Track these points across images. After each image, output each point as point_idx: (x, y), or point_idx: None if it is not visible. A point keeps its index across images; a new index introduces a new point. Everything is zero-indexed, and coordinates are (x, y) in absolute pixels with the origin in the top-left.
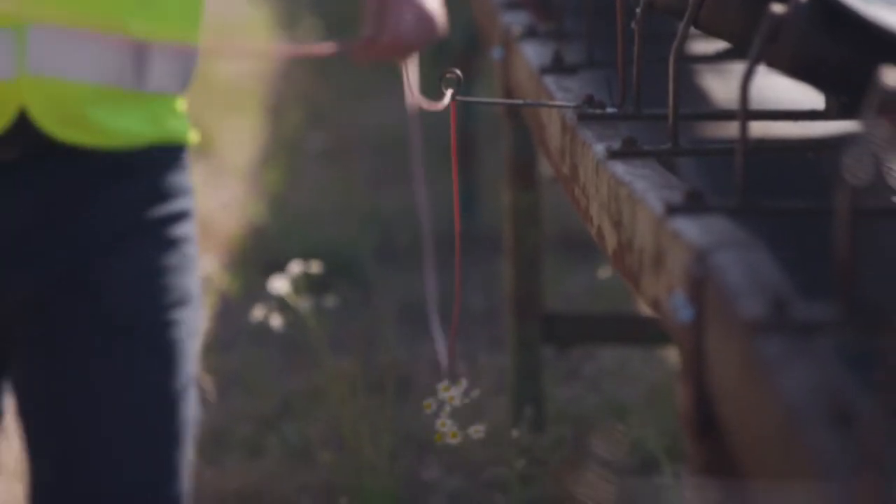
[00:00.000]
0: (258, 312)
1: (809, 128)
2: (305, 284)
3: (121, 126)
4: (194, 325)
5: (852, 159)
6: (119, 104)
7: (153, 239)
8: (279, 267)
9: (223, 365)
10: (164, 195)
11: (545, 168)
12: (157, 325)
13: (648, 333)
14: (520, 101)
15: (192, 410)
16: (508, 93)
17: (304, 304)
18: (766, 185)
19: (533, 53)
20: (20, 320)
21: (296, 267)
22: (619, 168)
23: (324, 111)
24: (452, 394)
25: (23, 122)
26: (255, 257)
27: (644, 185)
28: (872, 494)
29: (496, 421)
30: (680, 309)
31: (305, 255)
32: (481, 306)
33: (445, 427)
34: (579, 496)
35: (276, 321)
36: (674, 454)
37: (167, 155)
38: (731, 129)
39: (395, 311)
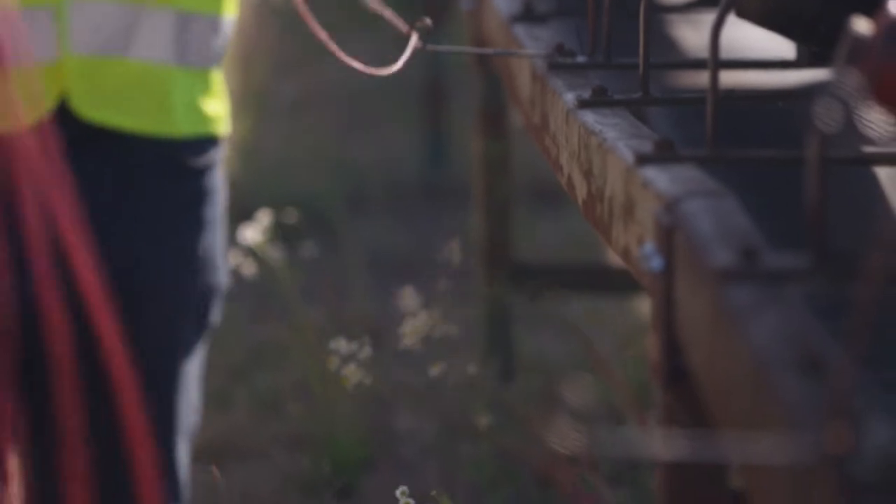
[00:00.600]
0: (229, 262)
1: (780, 77)
2: (276, 234)
3: (162, 106)
4: (201, 342)
5: (823, 108)
6: (161, 82)
7: (186, 254)
8: (249, 216)
9: None
10: (203, 198)
11: (515, 117)
12: (173, 351)
13: (619, 283)
14: (490, 51)
15: (193, 420)
16: (479, 42)
17: (275, 253)
18: (737, 135)
19: (503, 2)
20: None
21: (266, 216)
22: (590, 117)
23: (292, 62)
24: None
25: (64, 107)
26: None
27: (614, 135)
28: (841, 442)
29: (467, 371)
30: (650, 258)
31: (276, 205)
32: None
33: (350, 373)
34: (549, 445)
35: (248, 270)
36: (643, 403)
37: (206, 150)
38: (701, 79)
39: (366, 261)
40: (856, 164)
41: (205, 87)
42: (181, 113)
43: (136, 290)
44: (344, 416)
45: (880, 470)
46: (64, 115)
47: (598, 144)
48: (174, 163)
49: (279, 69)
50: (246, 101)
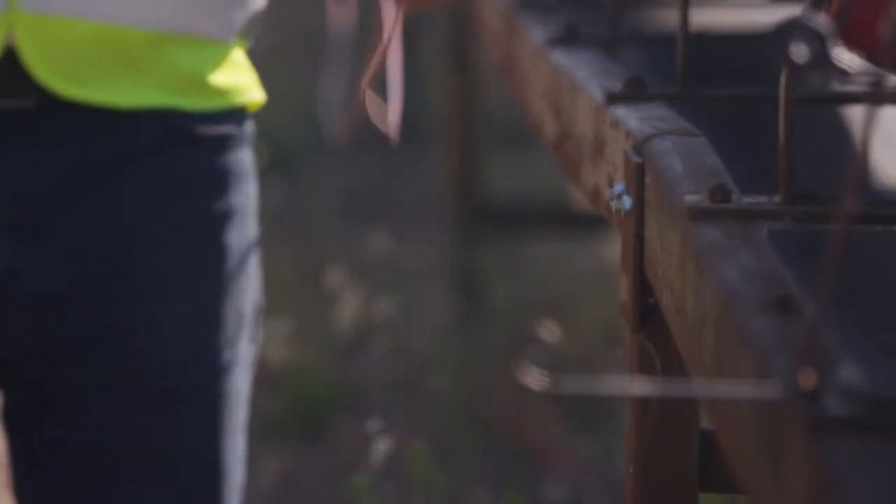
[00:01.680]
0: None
1: (753, 16)
2: None
3: (143, 88)
4: (247, 362)
5: (793, 46)
6: (146, 54)
7: (200, 248)
8: None
9: None
10: (218, 183)
11: (483, 56)
12: (204, 375)
13: (586, 225)
14: None
15: (240, 476)
16: None
17: None
18: (709, 74)
19: None
20: (24, 344)
21: None
22: (560, 55)
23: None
24: None
25: (13, 67)
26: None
27: (584, 73)
28: (810, 380)
29: (434, 314)
30: (619, 197)
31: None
32: (419, 198)
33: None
34: (517, 389)
35: None
36: (613, 346)
37: (218, 125)
38: (673, 17)
39: (334, 202)
40: (827, 103)
41: (212, 63)
42: (170, 94)
43: (130, 322)
44: (311, 357)
45: (848, 408)
46: (14, 74)
47: (568, 83)
48: (168, 154)
49: None
50: None
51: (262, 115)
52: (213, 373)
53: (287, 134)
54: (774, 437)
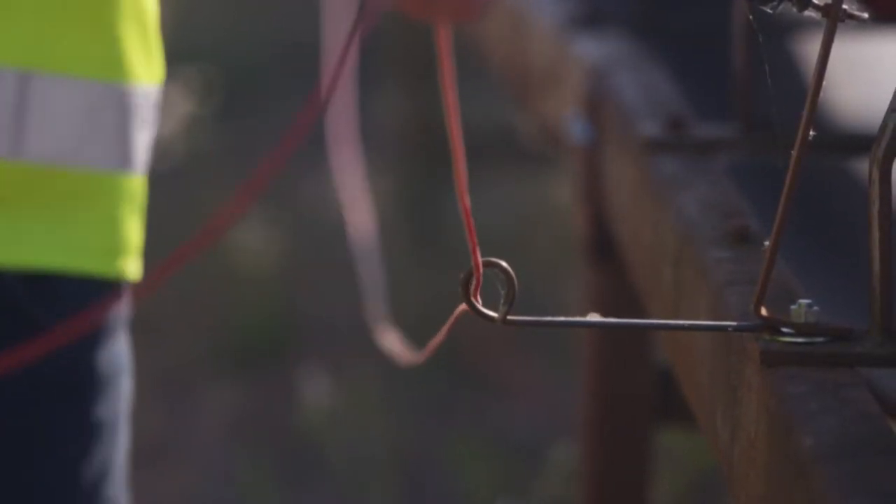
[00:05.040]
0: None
1: None
2: (199, 103)
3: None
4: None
5: None
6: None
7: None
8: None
9: None
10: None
11: None
12: None
13: (536, 161)
14: None
15: None
16: None
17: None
18: (672, 4)
19: None
20: None
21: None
22: None
23: None
24: None
25: None
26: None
27: (544, 2)
28: (765, 314)
29: (387, 249)
30: (577, 129)
31: (204, 62)
32: (370, 132)
33: None
34: (474, 323)
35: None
36: (568, 280)
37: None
38: None
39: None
40: (786, 30)
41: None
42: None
43: None
44: (254, 297)
45: (804, 340)
46: None
47: (527, 13)
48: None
49: None
50: None
51: (226, 37)
52: None
53: (248, 49)
54: (731, 369)
